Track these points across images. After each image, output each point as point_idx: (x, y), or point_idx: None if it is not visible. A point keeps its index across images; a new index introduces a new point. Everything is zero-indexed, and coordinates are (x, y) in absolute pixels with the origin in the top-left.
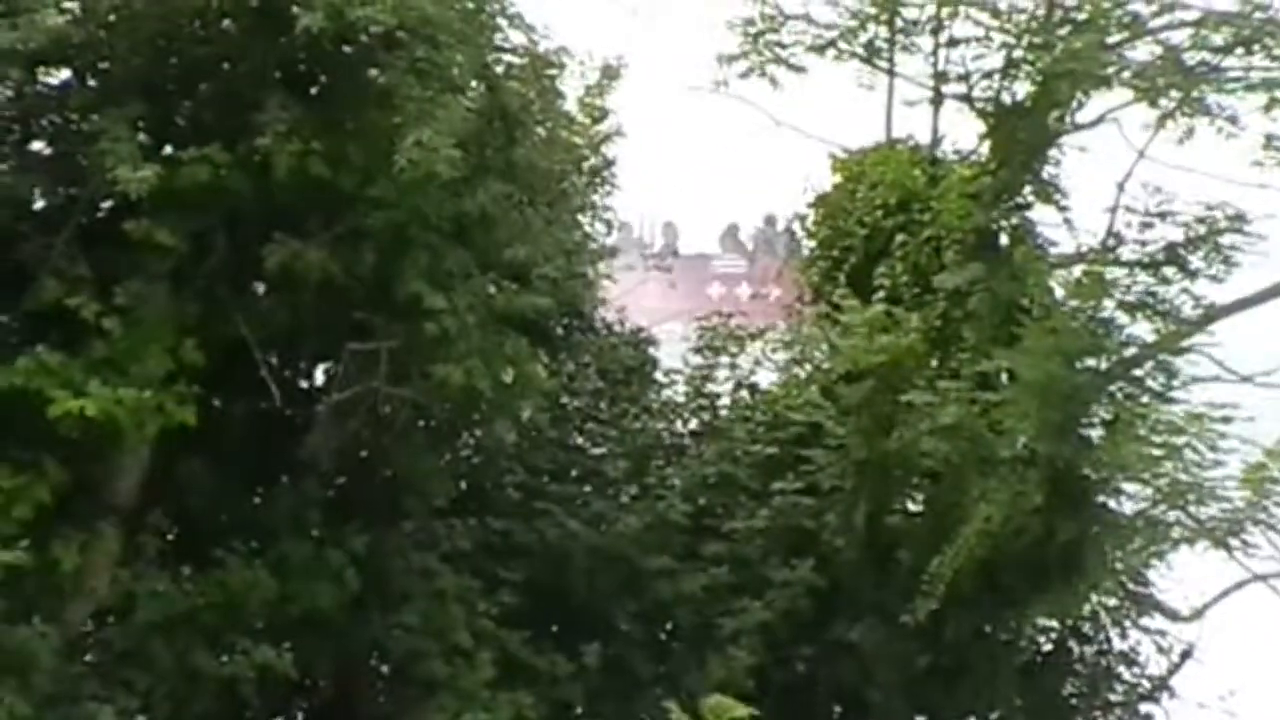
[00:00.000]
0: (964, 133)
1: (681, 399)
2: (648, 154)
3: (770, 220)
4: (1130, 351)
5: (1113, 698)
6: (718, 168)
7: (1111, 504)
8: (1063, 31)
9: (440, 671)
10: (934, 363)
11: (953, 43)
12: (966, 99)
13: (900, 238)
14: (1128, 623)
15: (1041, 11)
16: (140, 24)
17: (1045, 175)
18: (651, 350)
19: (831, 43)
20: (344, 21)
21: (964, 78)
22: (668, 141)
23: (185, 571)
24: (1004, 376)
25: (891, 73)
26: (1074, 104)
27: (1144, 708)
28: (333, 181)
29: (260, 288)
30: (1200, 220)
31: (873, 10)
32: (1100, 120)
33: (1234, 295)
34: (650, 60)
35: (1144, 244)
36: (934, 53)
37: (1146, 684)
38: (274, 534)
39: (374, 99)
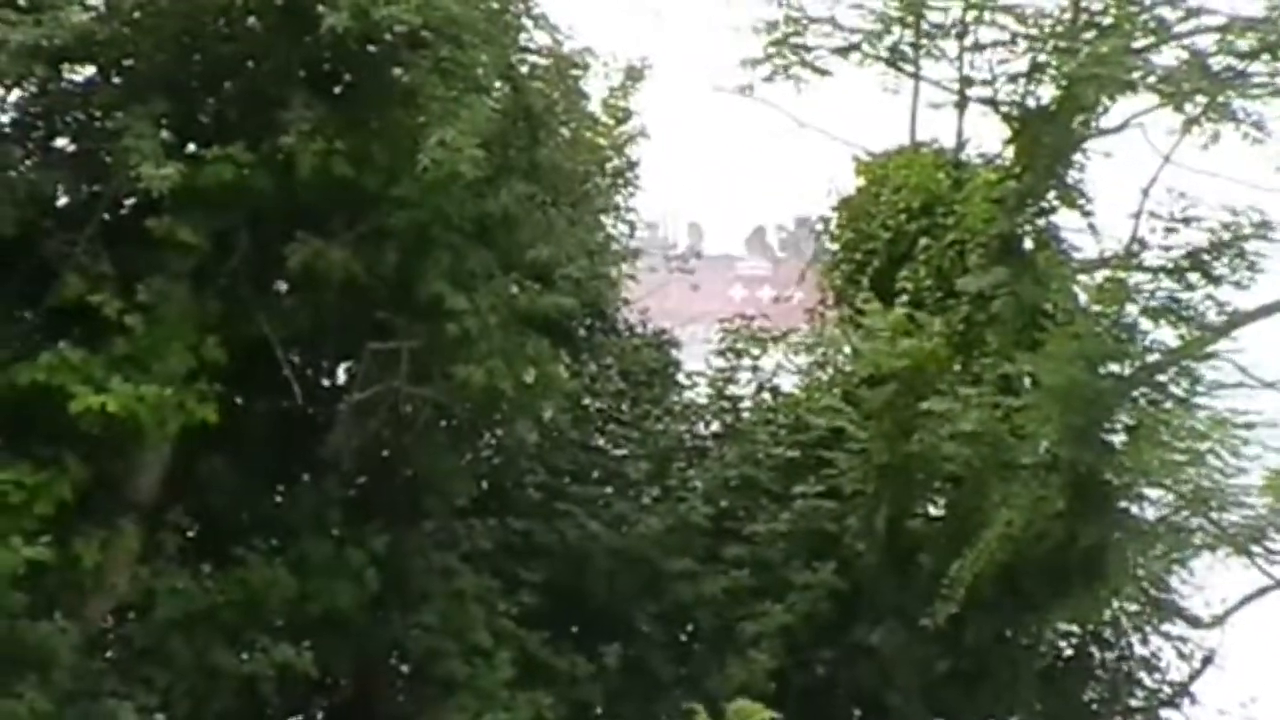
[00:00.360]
0: (988, 137)
1: (703, 401)
2: (672, 156)
3: (801, 222)
4: (1153, 357)
5: (1133, 703)
6: (742, 170)
7: (1133, 509)
8: (1088, 36)
9: (460, 671)
10: (956, 367)
11: (978, 47)
12: (991, 103)
13: (924, 241)
14: (1149, 628)
15: (1067, 16)
16: (165, 21)
17: (1070, 180)
18: (674, 352)
19: (856, 46)
20: (369, 21)
21: (989, 82)
22: (692, 143)
23: (205, 569)
24: (1026, 381)
25: (916, 76)
26: (1099, 108)
27: (1165, 713)
28: (356, 181)
29: (282, 286)
30: (1225, 226)
31: (897, 14)
32: (1125, 125)
33: (1258, 301)
34: (674, 62)
35: (1168, 249)
36: (959, 57)
37: (1167, 690)
38: (294, 532)
39: (398, 98)
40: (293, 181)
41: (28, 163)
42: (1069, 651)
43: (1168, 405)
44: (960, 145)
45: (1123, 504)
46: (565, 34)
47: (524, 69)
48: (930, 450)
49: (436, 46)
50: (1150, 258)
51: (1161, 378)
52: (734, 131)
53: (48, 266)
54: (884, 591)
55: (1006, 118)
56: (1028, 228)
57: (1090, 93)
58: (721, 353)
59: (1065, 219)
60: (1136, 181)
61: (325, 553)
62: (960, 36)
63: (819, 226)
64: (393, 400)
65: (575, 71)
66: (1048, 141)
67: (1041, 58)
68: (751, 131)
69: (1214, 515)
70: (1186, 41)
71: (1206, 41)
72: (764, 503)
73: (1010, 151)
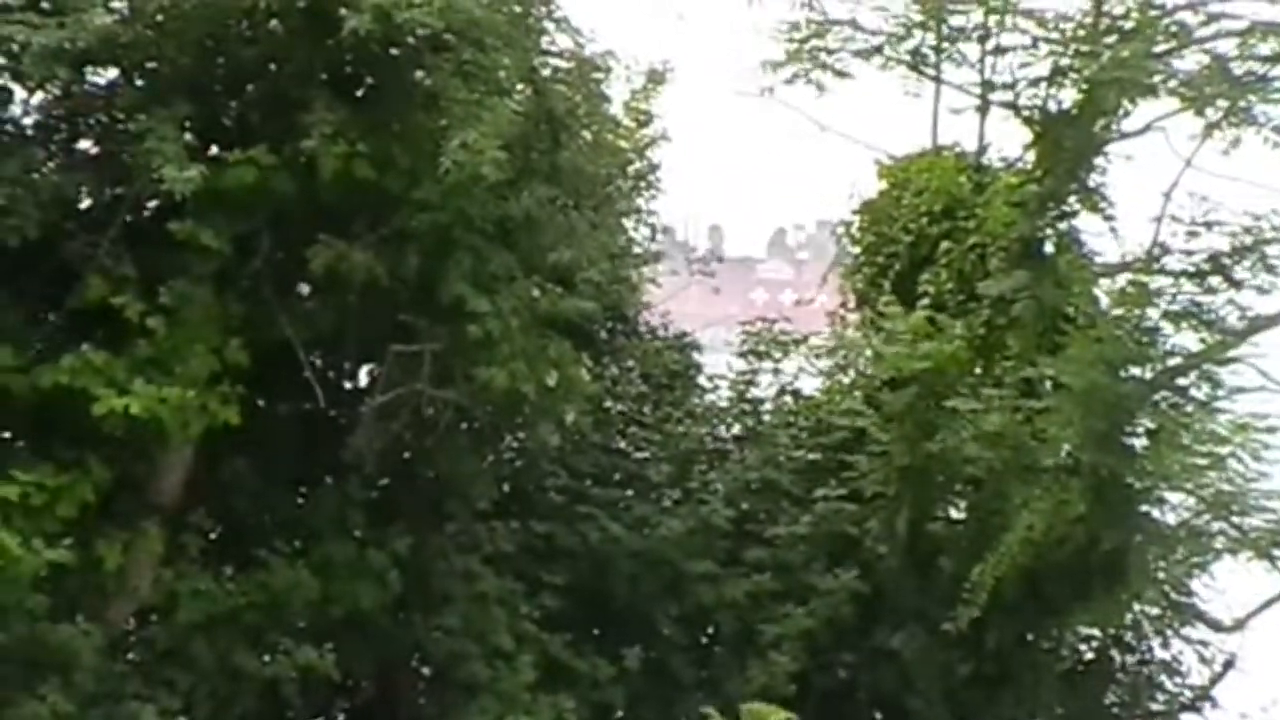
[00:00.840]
0: (1010, 140)
1: (725, 404)
2: (694, 159)
3: (822, 225)
4: (1175, 361)
5: (1154, 707)
6: (763, 173)
7: (1155, 513)
8: (1110, 40)
9: (481, 674)
10: (978, 370)
11: (999, 50)
12: (1013, 106)
13: (945, 245)
14: (1170, 632)
15: (1089, 20)
16: (188, 25)
17: (1091, 183)
18: (695, 355)
19: (878, 49)
20: (391, 24)
21: (1010, 85)
22: (714, 146)
23: (228, 571)
24: (1048, 384)
25: (938, 80)
26: (1120, 112)
27: (1186, 717)
28: (378, 183)
29: (305, 289)
30: (1246, 230)
31: (919, 17)
32: (1147, 129)
33: (1279, 306)
34: (696, 65)
35: (1189, 253)
36: (980, 60)
37: (1188, 694)
38: (317, 535)
39: (420, 101)
40: (315, 184)
41: (51, 165)
42: (1090, 655)
43: (1189, 409)
44: (982, 149)
45: (1144, 508)
46: (587, 37)
47: (546, 72)
48: (951, 452)
49: (458, 49)
50: (1171, 262)
51: (1183, 382)
52: (755, 135)
53: (70, 269)
54: (905, 595)
55: (1028, 121)
56: (1049, 231)
57: (1111, 96)
58: (743, 355)
59: (1086, 222)
60: (1158, 185)
61: (347, 555)
62: (982, 40)
63: (840, 230)
64: (415, 403)
65: (597, 74)
66: (1069, 145)
67: (1063, 61)
68: (773, 135)
69: (1235, 519)
70: (1208, 46)
71: (1228, 46)
72: (785, 505)
73: (1031, 155)
